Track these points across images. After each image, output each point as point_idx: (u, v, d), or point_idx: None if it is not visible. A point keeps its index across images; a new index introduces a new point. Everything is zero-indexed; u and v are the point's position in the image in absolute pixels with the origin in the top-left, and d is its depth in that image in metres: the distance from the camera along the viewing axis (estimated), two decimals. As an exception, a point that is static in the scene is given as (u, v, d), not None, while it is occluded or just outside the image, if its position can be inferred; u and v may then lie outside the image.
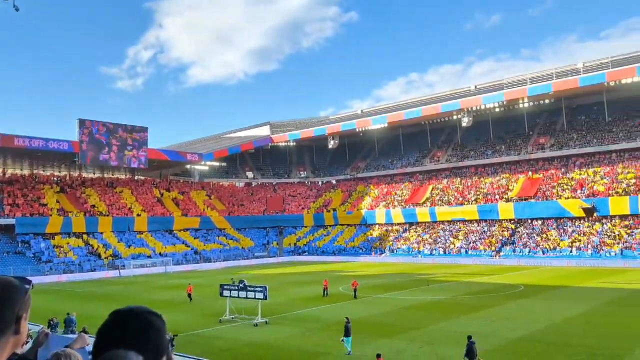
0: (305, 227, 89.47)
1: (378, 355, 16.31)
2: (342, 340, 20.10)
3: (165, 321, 1.77)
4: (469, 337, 17.23)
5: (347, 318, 20.92)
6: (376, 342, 21.37)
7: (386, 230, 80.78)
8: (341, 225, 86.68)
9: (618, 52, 76.11)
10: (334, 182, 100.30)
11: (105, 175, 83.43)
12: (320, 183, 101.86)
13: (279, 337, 23.34)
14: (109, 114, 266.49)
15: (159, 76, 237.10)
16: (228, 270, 61.36)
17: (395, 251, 73.88)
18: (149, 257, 67.19)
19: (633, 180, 62.60)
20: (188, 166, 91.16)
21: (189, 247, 74.09)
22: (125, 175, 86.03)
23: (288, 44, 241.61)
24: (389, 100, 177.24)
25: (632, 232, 58.35)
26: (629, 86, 66.45)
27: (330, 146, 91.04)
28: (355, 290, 34.85)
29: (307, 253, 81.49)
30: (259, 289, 26.88)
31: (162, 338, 1.74)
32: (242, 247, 79.44)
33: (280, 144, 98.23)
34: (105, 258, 64.10)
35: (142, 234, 72.88)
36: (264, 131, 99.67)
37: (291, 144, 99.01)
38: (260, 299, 26.55)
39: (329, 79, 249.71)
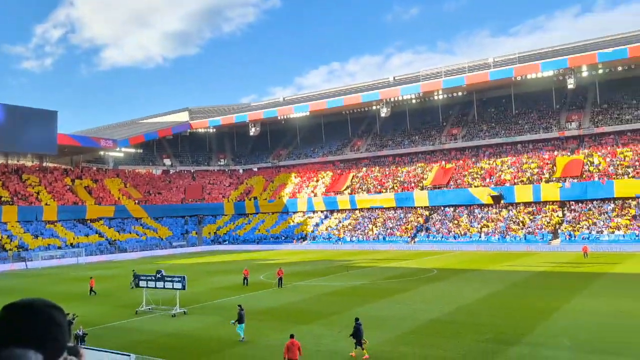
0: (226, 215, 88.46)
1: (292, 336, 16.62)
2: (233, 323, 20.56)
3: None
4: (356, 320, 18.06)
5: (239, 306, 21.29)
6: (296, 328, 21.58)
7: (308, 217, 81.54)
8: (263, 213, 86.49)
9: (525, 49, 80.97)
10: (255, 169, 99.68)
11: (10, 162, 77.97)
12: (241, 171, 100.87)
13: (198, 327, 23.03)
14: (13, 96, 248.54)
15: (71, 57, 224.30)
16: (145, 261, 59.56)
17: (316, 238, 74.81)
18: (60, 248, 63.76)
19: (536, 170, 67.10)
20: (102, 153, 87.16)
21: (103, 237, 71.04)
22: (33, 162, 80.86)
23: (209, 29, 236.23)
24: (311, 89, 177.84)
25: (535, 218, 62.64)
26: (534, 81, 70.89)
27: (251, 133, 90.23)
28: (280, 280, 34.85)
29: (227, 242, 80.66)
30: (177, 279, 26.32)
31: (64, 334, 1.59)
32: (160, 237, 77.26)
33: (200, 130, 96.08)
34: (9, 250, 60.10)
35: (52, 224, 68.98)
36: (183, 117, 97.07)
37: (211, 130, 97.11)
38: (179, 289, 26.03)
39: (251, 66, 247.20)
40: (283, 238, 77.78)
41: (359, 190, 78.78)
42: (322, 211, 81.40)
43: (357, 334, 17.48)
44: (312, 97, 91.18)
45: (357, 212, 77.83)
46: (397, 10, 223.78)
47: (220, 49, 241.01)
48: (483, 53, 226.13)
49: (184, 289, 26.01)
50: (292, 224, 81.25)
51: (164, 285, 26.47)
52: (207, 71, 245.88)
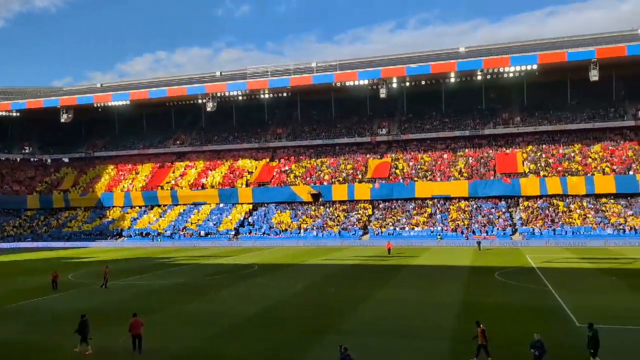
0: (30, 210, 79.97)
1: (134, 315, 17.56)
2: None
3: None
4: (83, 316, 18.41)
5: None
6: (114, 329, 20.62)
7: (125, 213, 77.28)
8: (73, 208, 79.92)
9: (346, 57, 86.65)
10: (66, 160, 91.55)
11: None
12: (49, 161, 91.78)
13: (-5, 335, 20.69)
14: None
15: None
16: None
17: (134, 235, 71.29)
18: None
19: (351, 171, 72.42)
20: None
21: None
22: None
23: (17, 1, 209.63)
24: (134, 77, 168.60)
25: (349, 215, 67.59)
26: (352, 88, 76.04)
27: (63, 120, 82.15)
28: (105, 279, 32.48)
29: (31, 239, 72.86)
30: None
31: None
32: (-56, 234, 66.95)
33: (1, 113, 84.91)
34: None
35: None
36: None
37: (14, 114, 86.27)
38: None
39: (67, 46, 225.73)
40: (96, 235, 72.69)
41: (182, 184, 76.99)
42: (140, 206, 77.82)
43: (82, 330, 17.91)
44: (133, 85, 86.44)
45: (178, 207, 75.97)
46: (228, 6, 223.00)
47: (30, 25, 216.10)
48: (309, 57, 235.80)
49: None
50: (107, 219, 76.30)
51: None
52: (13, 48, 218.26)
